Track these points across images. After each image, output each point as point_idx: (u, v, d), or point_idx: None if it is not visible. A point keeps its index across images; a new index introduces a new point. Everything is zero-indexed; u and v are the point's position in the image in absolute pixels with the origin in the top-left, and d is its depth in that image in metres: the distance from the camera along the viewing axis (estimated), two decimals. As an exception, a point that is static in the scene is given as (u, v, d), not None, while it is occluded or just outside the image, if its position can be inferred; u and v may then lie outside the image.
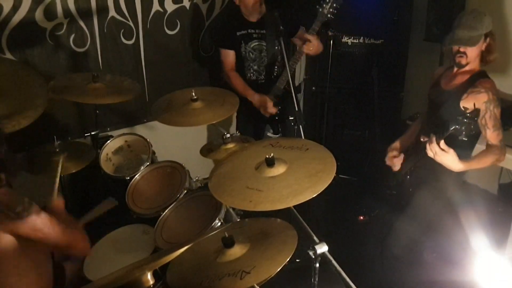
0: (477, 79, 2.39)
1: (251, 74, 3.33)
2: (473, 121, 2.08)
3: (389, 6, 3.59)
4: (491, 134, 2.33)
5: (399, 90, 3.82)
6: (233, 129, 3.72)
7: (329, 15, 2.95)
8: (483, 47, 2.37)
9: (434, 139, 2.21)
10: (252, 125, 3.47)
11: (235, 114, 3.56)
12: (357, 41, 3.69)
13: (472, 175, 3.36)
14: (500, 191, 3.32)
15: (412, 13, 3.65)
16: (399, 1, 3.61)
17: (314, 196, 1.69)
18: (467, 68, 2.43)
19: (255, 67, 3.30)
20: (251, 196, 1.71)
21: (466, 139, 2.27)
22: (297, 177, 1.79)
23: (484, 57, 2.40)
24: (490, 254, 2.15)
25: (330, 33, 3.04)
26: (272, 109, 3.20)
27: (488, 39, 2.36)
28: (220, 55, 3.34)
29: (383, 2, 3.58)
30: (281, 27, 2.89)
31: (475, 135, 2.46)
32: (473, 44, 2.33)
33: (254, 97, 3.24)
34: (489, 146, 2.38)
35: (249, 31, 3.24)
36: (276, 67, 3.22)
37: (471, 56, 2.37)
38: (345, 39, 3.67)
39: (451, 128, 2.12)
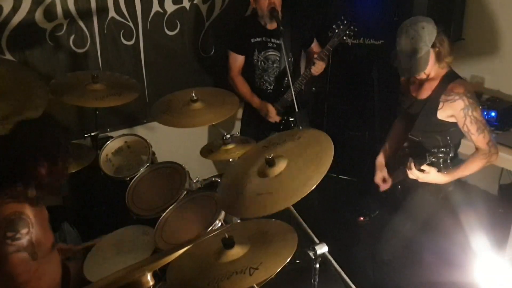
0: (448, 83, 2.31)
1: (261, 83, 3.25)
2: (448, 155, 2.13)
3: (389, 6, 3.58)
4: (477, 138, 2.27)
5: (399, 91, 3.81)
6: (234, 130, 3.71)
7: (345, 37, 2.93)
8: (434, 57, 2.26)
9: (412, 165, 2.25)
10: (256, 132, 3.34)
11: (237, 116, 3.55)
12: (357, 42, 3.67)
13: (472, 176, 3.35)
14: (500, 192, 3.32)
15: (412, 14, 3.63)
16: (399, 1, 3.60)
17: (323, 177, 1.70)
18: (432, 74, 2.34)
19: (265, 77, 3.22)
20: (264, 201, 1.73)
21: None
22: (299, 166, 1.80)
23: (439, 61, 2.29)
24: (490, 256, 2.14)
25: (329, 34, 3.02)
26: (275, 117, 3.14)
27: (435, 48, 2.24)
28: (229, 58, 3.26)
29: (383, 3, 3.57)
30: (281, 27, 2.89)
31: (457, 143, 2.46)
32: (424, 67, 2.23)
33: (258, 104, 3.20)
34: (476, 150, 2.31)
35: (264, 39, 3.15)
36: (286, 78, 3.06)
37: (428, 69, 2.28)
38: (345, 40, 3.67)
39: (428, 162, 2.19)
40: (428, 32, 2.21)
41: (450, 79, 2.33)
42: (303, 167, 1.78)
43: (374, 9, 3.56)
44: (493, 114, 2.98)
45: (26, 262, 1.74)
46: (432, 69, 2.32)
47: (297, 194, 1.68)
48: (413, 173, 2.26)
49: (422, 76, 2.33)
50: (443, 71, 2.34)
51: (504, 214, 3.09)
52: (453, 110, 2.27)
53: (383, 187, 2.68)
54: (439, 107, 2.31)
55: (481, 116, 2.28)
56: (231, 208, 1.87)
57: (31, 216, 1.79)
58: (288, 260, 1.66)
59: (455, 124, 2.33)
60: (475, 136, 2.26)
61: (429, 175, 2.25)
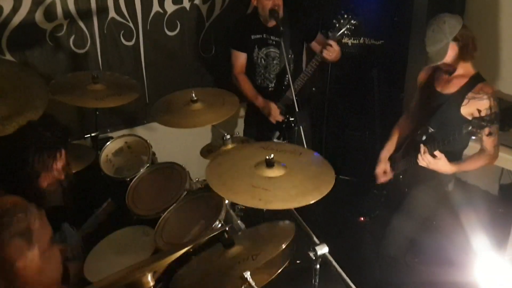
0: (476, 83, 2.40)
1: (262, 81, 3.25)
2: (459, 148, 2.22)
3: (389, 7, 3.59)
4: (487, 140, 2.35)
5: (399, 90, 3.82)
6: (236, 130, 3.71)
7: (346, 31, 2.91)
8: (458, 50, 2.37)
9: (426, 150, 2.35)
10: (258, 131, 3.38)
11: (238, 116, 3.54)
12: (357, 42, 3.69)
13: (473, 176, 3.35)
14: (500, 192, 3.32)
15: (412, 14, 3.64)
16: (399, 2, 3.60)
17: (321, 197, 1.72)
18: (461, 71, 2.44)
19: (266, 74, 3.22)
20: (259, 194, 1.73)
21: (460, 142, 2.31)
22: (300, 179, 1.81)
23: (464, 55, 2.41)
24: (490, 255, 2.14)
25: (330, 34, 3.02)
26: (278, 117, 3.12)
27: (459, 42, 2.36)
28: (231, 56, 3.26)
29: (383, 3, 3.57)
30: (281, 28, 2.89)
31: (466, 143, 2.51)
32: (442, 57, 2.36)
33: (261, 103, 3.18)
34: (482, 151, 2.41)
35: (264, 36, 3.15)
36: (287, 76, 2.99)
37: (452, 61, 2.40)
38: (345, 40, 3.66)
39: (441, 147, 2.28)
40: (449, 26, 2.34)
41: (479, 79, 2.42)
42: (303, 180, 1.80)
43: (374, 9, 3.56)
44: (493, 114, 2.98)
45: (22, 248, 1.72)
46: (458, 63, 2.42)
47: (296, 201, 1.70)
48: (425, 158, 2.36)
49: (450, 68, 2.43)
50: (472, 71, 2.44)
51: (504, 214, 3.09)
52: (477, 108, 2.31)
53: (383, 179, 2.77)
54: (464, 103, 2.39)
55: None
56: (223, 190, 1.84)
57: (27, 205, 1.78)
58: (288, 242, 1.69)
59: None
60: (486, 137, 2.31)
61: (439, 161, 2.34)
